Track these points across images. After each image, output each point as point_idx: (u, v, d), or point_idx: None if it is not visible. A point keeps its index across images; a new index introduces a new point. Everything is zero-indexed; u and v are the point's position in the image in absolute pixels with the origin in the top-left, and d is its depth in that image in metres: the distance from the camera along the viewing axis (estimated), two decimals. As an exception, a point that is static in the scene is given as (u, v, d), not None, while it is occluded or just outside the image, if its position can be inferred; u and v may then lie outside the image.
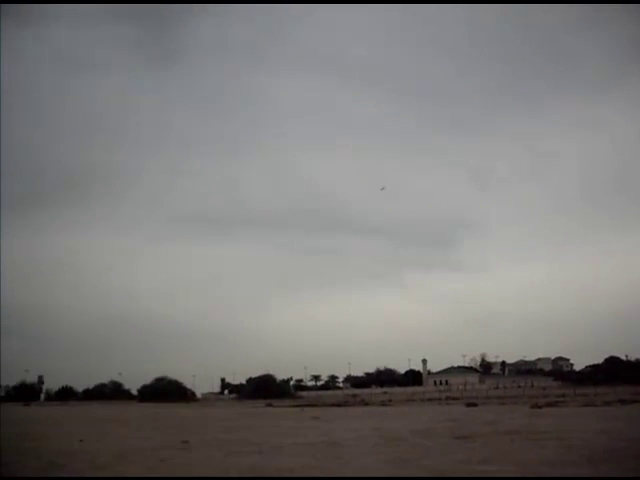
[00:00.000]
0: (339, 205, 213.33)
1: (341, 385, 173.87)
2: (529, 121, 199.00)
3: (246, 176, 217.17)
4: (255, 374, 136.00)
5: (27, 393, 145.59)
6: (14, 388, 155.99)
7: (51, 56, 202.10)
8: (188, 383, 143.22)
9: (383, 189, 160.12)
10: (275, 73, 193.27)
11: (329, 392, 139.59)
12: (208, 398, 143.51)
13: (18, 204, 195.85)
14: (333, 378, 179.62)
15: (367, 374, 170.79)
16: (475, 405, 48.97)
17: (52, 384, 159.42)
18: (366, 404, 64.49)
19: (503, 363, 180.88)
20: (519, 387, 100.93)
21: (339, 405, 63.39)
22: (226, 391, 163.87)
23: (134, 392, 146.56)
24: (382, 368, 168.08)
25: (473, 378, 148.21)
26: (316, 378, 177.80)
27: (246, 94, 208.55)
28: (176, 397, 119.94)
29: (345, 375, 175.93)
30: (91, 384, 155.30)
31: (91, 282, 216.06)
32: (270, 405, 68.74)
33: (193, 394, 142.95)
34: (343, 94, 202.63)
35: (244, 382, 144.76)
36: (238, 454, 16.63)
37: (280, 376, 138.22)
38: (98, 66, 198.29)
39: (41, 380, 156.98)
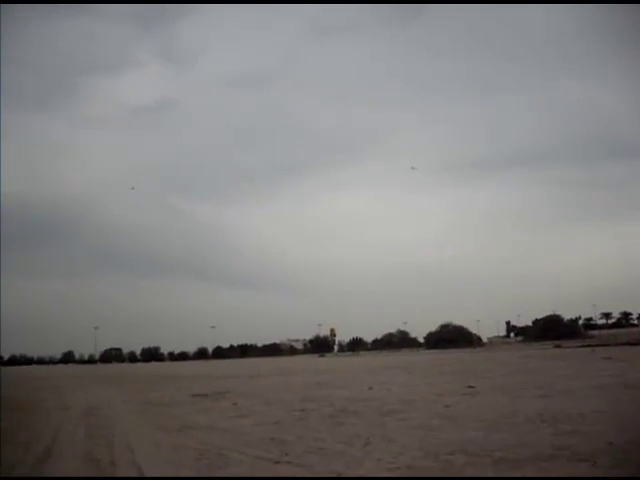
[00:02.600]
0: (618, 131, 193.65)
1: (635, 322, 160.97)
2: None
3: (506, 114, 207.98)
4: (541, 315, 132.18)
5: (321, 345, 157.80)
6: (310, 342, 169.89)
7: (302, 28, 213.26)
8: (473, 328, 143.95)
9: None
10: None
11: (622, 330, 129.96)
12: (494, 342, 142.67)
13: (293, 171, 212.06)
14: (626, 315, 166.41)
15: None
16: None
17: (343, 336, 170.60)
18: (668, 341, 59.15)
19: None
20: None
21: (635, 344, 58.98)
22: (512, 334, 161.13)
23: (421, 340, 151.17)
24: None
25: None
26: (606, 316, 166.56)
27: (492, 26, 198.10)
28: (461, 342, 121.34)
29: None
30: (379, 334, 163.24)
31: (371, 236, 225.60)
32: (558, 346, 66.46)
33: (479, 339, 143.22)
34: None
35: (530, 324, 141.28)
36: (525, 398, 16.16)
37: (567, 316, 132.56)
38: (345, 31, 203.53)
39: (333, 333, 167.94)
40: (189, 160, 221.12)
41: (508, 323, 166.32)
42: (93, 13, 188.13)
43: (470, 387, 20.27)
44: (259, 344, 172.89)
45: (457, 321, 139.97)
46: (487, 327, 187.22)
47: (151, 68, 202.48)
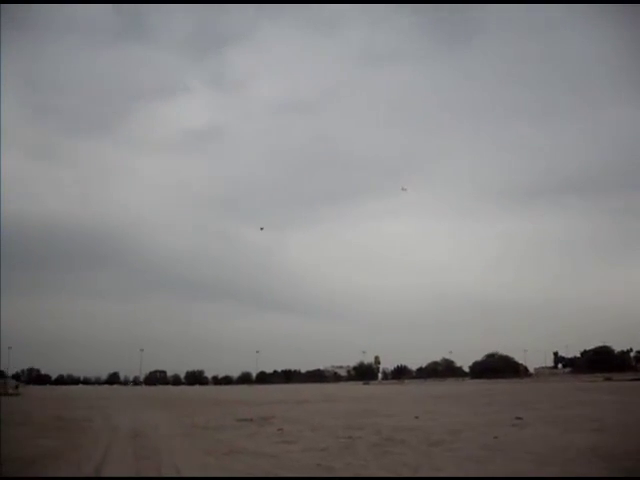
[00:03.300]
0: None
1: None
2: None
3: (551, 143, 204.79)
4: (590, 346, 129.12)
5: (365, 373, 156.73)
6: (354, 368, 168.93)
7: (350, 55, 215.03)
8: (519, 358, 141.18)
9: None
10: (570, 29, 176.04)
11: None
12: (541, 373, 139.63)
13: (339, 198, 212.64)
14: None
15: None
16: None
17: (387, 364, 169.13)
18: None
19: None
20: None
21: (691, 377, 57.13)
22: (560, 365, 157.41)
23: (466, 369, 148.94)
24: None
25: None
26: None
27: (542, 53, 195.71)
28: (508, 373, 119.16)
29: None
30: (424, 362, 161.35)
31: (415, 263, 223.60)
32: (609, 379, 64.66)
33: (525, 369, 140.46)
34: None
35: (578, 355, 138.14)
36: (575, 431, 15.75)
37: (618, 347, 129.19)
38: (394, 58, 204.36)
39: (377, 360, 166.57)
40: (236, 185, 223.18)
41: (556, 354, 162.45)
42: (145, 40, 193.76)
43: (518, 418, 19.86)
44: (302, 370, 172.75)
45: (503, 350, 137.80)
46: (534, 357, 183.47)
47: (201, 94, 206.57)
